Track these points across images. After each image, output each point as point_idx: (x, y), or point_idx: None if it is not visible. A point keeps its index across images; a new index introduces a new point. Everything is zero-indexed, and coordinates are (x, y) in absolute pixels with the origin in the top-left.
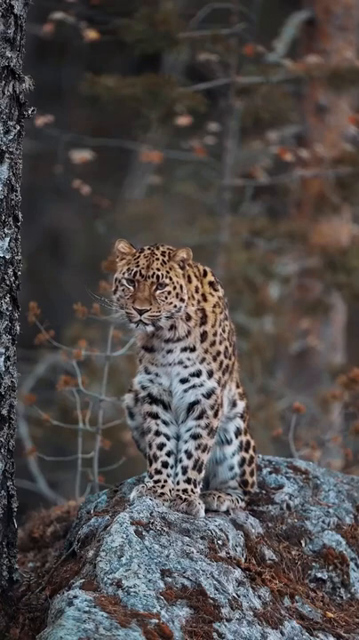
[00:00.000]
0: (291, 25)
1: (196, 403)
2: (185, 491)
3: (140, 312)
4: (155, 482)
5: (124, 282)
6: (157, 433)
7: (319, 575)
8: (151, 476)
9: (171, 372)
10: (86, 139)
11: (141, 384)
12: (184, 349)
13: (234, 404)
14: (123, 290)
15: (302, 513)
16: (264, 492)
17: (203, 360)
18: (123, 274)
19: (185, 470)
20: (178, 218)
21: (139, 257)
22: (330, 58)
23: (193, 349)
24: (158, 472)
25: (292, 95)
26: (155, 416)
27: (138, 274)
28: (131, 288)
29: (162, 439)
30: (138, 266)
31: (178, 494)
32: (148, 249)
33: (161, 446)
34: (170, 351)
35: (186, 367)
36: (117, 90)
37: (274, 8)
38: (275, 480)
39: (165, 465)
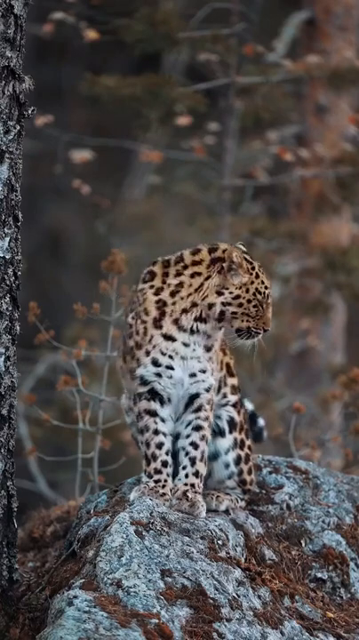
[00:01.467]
0: (291, 25)
1: (197, 396)
2: (193, 485)
3: (266, 331)
4: (156, 481)
5: (256, 302)
6: (156, 432)
7: (319, 575)
8: (150, 476)
9: (188, 365)
10: (86, 139)
11: (143, 378)
12: (206, 347)
13: (223, 396)
14: (255, 308)
15: (302, 513)
16: (264, 491)
17: (210, 358)
18: (254, 295)
19: (193, 462)
20: (178, 218)
21: (260, 276)
22: (330, 58)
23: (210, 348)
24: (158, 472)
25: (292, 95)
26: (153, 414)
27: (269, 296)
28: (261, 309)
29: (161, 438)
30: (266, 287)
31: (185, 490)
32: (254, 264)
33: (160, 445)
34: (199, 345)
35: (199, 362)
36: (117, 90)
37: (274, 8)
38: (275, 480)
39: (165, 464)
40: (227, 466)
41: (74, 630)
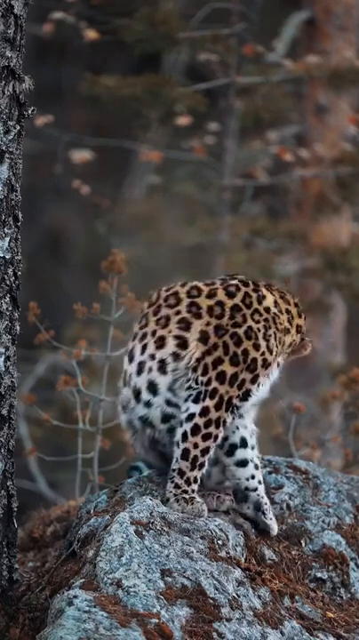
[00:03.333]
0: (291, 25)
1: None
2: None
3: None
4: (193, 490)
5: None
6: (216, 445)
7: (319, 575)
8: (188, 482)
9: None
10: (86, 139)
11: (249, 394)
12: None
13: None
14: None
15: (302, 513)
16: None
17: None
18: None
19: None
20: (178, 218)
21: None
22: (330, 58)
23: None
24: (195, 481)
25: (292, 95)
26: (225, 427)
27: None
28: None
29: (213, 452)
30: None
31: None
32: None
33: (209, 458)
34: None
35: None
36: (117, 90)
37: (274, 8)
38: (275, 480)
39: (202, 475)
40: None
41: (74, 630)
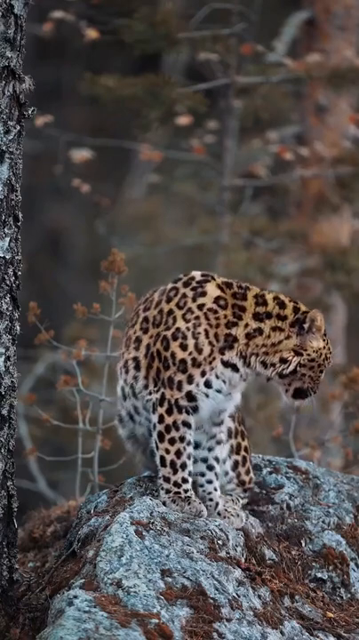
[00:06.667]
0: (291, 25)
1: (224, 410)
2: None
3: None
4: (185, 490)
5: (323, 368)
6: (189, 443)
7: (319, 575)
8: (177, 484)
9: (233, 391)
10: (86, 139)
11: (191, 394)
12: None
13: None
14: (320, 373)
15: (302, 513)
16: (264, 491)
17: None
18: (324, 361)
19: (217, 476)
20: (178, 218)
21: (328, 342)
22: (330, 58)
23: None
24: (185, 480)
25: (292, 95)
26: (189, 426)
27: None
28: (321, 374)
29: (191, 449)
30: (330, 354)
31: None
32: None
33: (189, 456)
34: (248, 378)
35: (238, 390)
36: (117, 90)
37: (274, 8)
38: (275, 480)
39: (190, 474)
40: (226, 473)
41: (74, 630)
